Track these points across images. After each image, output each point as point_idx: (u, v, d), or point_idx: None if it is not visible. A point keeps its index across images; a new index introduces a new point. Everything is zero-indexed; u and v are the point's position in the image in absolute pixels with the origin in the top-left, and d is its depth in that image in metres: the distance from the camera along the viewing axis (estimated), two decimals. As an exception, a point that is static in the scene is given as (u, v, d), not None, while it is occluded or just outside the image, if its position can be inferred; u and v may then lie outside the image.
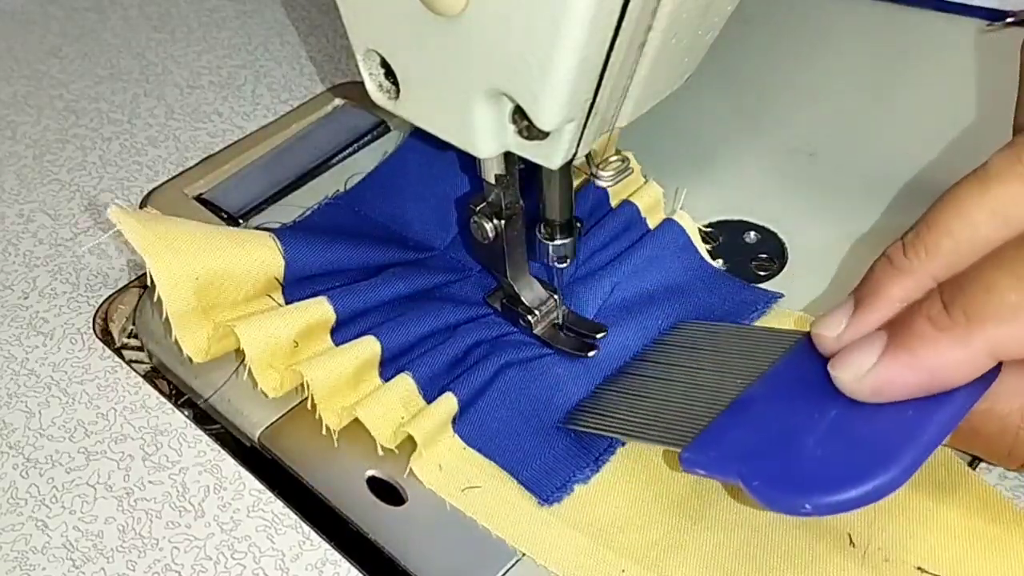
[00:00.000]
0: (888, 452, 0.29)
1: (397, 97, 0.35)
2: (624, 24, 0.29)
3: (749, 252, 0.46)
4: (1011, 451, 0.32)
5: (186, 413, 0.41)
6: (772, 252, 0.45)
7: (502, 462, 0.38)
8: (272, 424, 0.40)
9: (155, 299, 0.40)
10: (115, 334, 0.45)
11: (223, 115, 0.55)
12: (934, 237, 0.31)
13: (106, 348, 0.43)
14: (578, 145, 0.33)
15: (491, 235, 0.39)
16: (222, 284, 0.40)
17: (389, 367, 0.40)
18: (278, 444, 0.40)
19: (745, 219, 0.47)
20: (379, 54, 0.34)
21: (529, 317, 0.41)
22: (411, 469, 0.37)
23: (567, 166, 0.35)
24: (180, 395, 0.44)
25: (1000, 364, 0.30)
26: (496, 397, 0.39)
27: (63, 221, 0.49)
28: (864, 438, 0.31)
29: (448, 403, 0.38)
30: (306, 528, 0.36)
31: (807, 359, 0.34)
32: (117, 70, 0.58)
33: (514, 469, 0.37)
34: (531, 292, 0.41)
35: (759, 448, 0.32)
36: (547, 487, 0.37)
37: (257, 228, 0.46)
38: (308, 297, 0.41)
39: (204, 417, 0.43)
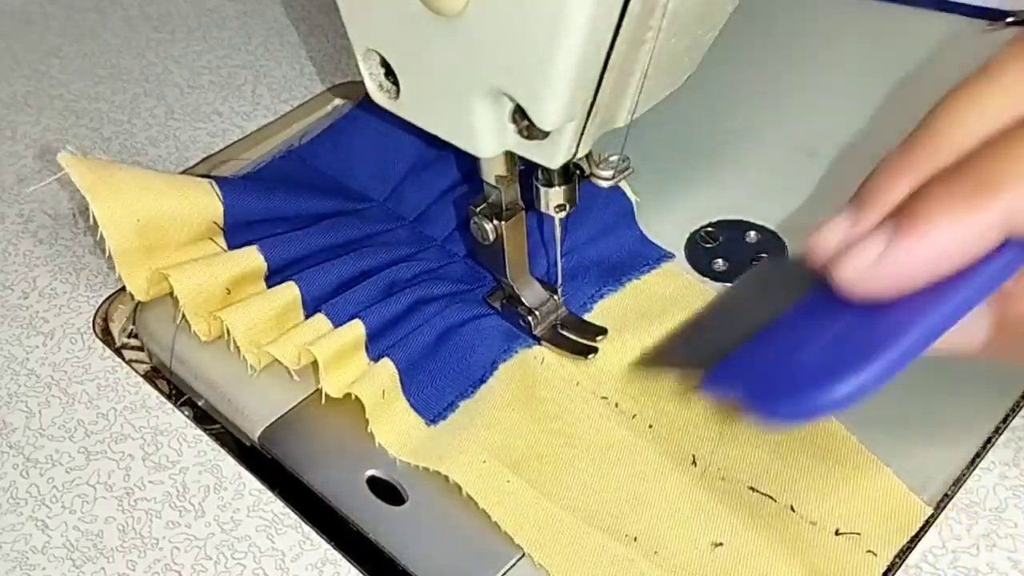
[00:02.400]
0: (873, 350, 0.28)
1: (397, 97, 0.35)
2: (624, 24, 0.29)
3: (749, 252, 0.46)
4: None
5: (186, 413, 0.41)
6: (772, 252, 0.45)
7: (403, 378, 0.39)
8: (272, 424, 0.40)
9: (98, 238, 0.41)
10: (115, 334, 0.45)
11: (223, 115, 0.55)
12: (947, 129, 0.28)
13: (106, 348, 0.43)
14: (578, 145, 0.33)
15: (491, 236, 0.39)
16: (164, 226, 0.42)
17: (312, 310, 0.41)
18: (278, 444, 0.40)
19: (745, 219, 0.47)
20: (379, 54, 0.34)
21: (529, 318, 0.41)
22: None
23: None
24: (180, 395, 0.44)
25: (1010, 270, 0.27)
26: (408, 327, 0.40)
27: (63, 221, 0.49)
28: (858, 340, 0.29)
29: (355, 329, 0.40)
30: (306, 528, 0.36)
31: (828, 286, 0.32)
32: (117, 70, 0.58)
33: (408, 392, 0.39)
34: (531, 292, 0.41)
35: (761, 365, 0.32)
36: (433, 409, 0.39)
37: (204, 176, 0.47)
38: (248, 242, 0.43)
39: (204, 417, 0.43)
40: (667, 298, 0.43)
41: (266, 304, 0.41)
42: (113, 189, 0.41)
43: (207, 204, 0.43)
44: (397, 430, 0.39)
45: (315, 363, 0.39)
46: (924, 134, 0.29)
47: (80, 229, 0.48)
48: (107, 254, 0.42)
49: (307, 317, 0.41)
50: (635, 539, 0.36)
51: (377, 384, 0.39)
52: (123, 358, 0.43)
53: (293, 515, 0.37)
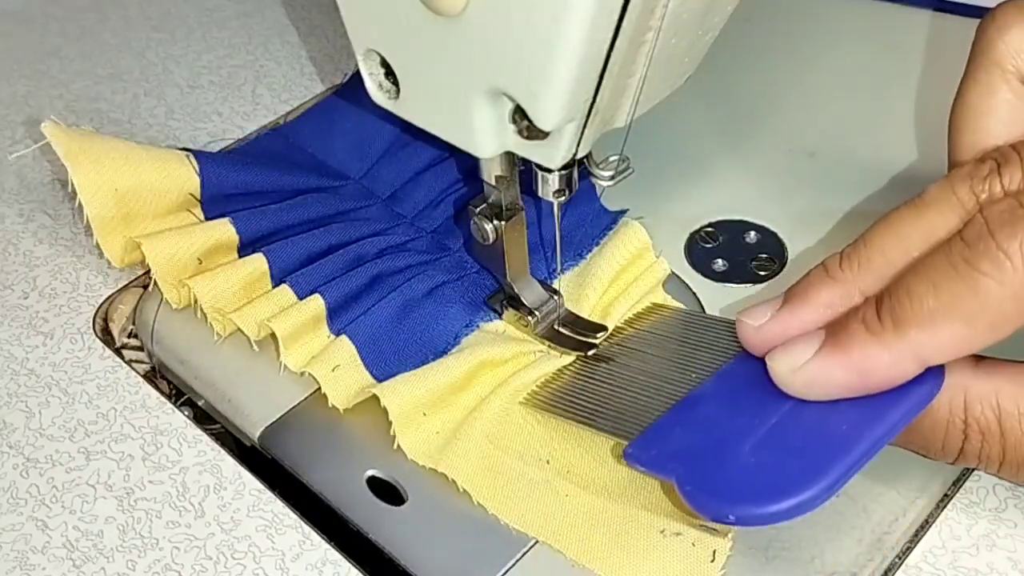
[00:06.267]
0: (816, 468, 0.30)
1: (397, 97, 0.35)
2: (624, 24, 0.29)
3: (749, 252, 0.46)
4: (944, 445, 0.33)
5: (186, 413, 0.41)
6: (772, 252, 0.45)
7: (364, 354, 0.40)
8: (272, 424, 0.40)
9: (76, 205, 0.43)
10: (115, 334, 0.45)
11: (223, 115, 0.55)
12: (868, 253, 0.33)
13: (106, 348, 0.43)
14: (578, 145, 0.33)
15: (491, 236, 0.39)
16: (142, 196, 0.43)
17: (279, 282, 0.42)
18: (278, 444, 0.40)
19: (745, 219, 0.47)
20: (379, 54, 0.34)
21: (530, 318, 0.41)
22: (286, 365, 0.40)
23: None
24: (180, 395, 0.44)
25: (940, 383, 0.32)
26: (369, 301, 0.41)
27: (63, 221, 0.49)
28: (797, 450, 0.31)
29: (315, 303, 0.41)
30: (306, 528, 0.36)
31: (757, 359, 0.35)
32: (117, 70, 0.58)
33: (368, 364, 0.40)
34: (532, 293, 0.41)
35: (698, 449, 0.33)
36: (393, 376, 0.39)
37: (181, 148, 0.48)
38: (223, 215, 0.44)
39: (204, 417, 0.43)
40: (619, 258, 0.43)
41: (234, 274, 0.42)
42: (93, 159, 0.42)
43: (184, 176, 0.44)
44: (352, 390, 0.39)
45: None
46: (863, 245, 0.33)
47: (80, 229, 0.48)
48: (85, 222, 0.43)
49: (274, 287, 0.42)
50: (547, 462, 0.37)
51: (331, 361, 0.39)
52: (123, 358, 0.43)
53: (293, 515, 0.37)
